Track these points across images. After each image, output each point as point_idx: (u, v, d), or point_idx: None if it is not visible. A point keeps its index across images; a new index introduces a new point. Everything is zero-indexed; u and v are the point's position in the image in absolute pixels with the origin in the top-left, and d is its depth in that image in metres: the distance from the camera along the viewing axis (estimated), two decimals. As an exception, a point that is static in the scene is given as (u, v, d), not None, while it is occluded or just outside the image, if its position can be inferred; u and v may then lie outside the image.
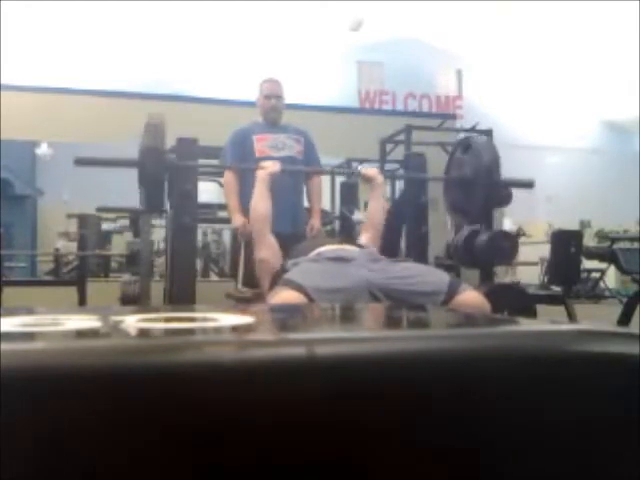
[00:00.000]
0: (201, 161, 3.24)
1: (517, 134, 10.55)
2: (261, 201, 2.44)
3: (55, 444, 0.39)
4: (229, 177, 3.26)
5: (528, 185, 3.08)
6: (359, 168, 2.79)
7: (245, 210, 3.16)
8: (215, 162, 3.57)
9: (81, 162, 2.63)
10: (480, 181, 2.76)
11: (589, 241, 7.47)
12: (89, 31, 8.72)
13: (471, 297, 1.95)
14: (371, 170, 2.80)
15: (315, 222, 3.36)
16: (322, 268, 2.02)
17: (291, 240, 2.67)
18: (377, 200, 2.65)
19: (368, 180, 2.72)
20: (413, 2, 9.03)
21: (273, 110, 3.35)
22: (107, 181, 5.87)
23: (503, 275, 6.51)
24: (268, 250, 2.34)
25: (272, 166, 2.58)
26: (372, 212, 2.65)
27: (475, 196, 2.81)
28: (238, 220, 3.14)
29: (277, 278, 2.09)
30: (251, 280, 2.80)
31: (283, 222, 2.92)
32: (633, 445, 0.49)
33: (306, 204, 3.50)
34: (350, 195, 4.94)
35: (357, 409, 0.44)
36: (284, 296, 1.82)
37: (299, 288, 1.83)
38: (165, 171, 2.65)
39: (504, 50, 10.33)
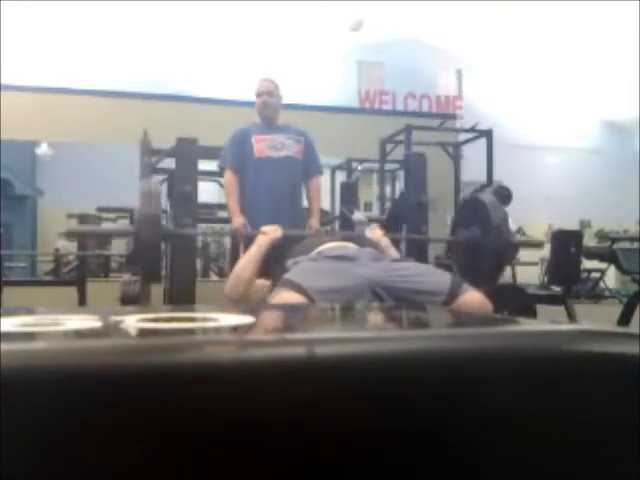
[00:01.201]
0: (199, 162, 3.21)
1: (517, 134, 10.56)
2: (250, 265, 2.34)
3: (55, 444, 0.39)
4: (229, 177, 3.26)
5: (537, 245, 3.02)
6: (365, 232, 2.68)
7: (245, 210, 3.17)
8: (214, 162, 3.56)
9: (71, 234, 2.54)
10: (490, 242, 2.65)
11: (589, 241, 7.48)
12: (89, 31, 8.72)
13: (473, 297, 1.95)
14: (374, 232, 2.66)
15: (314, 222, 3.36)
16: (323, 267, 2.02)
17: (289, 239, 2.67)
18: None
19: (374, 244, 2.61)
20: (413, 2, 9.03)
21: (265, 107, 3.35)
22: (107, 181, 5.87)
23: (503, 276, 6.51)
24: (257, 294, 2.29)
25: (274, 232, 2.53)
26: None
27: (485, 257, 2.69)
28: (237, 221, 3.14)
29: (279, 277, 2.08)
30: None
31: (282, 222, 2.92)
32: (633, 445, 0.49)
33: (305, 204, 3.50)
34: (350, 195, 4.94)
35: (357, 409, 0.44)
36: (284, 297, 1.82)
37: (299, 289, 1.82)
38: (162, 239, 2.57)
39: (504, 50, 10.33)
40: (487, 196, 3.19)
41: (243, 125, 3.41)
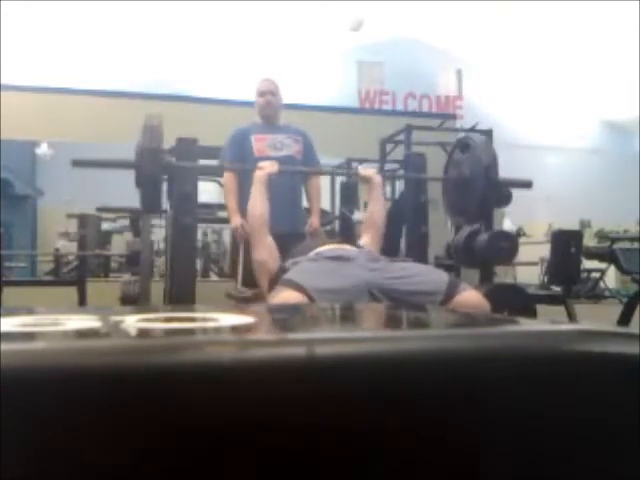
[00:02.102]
0: (199, 161, 3.23)
1: (517, 134, 10.56)
2: (259, 202, 2.42)
3: (55, 444, 0.39)
4: (228, 177, 3.26)
5: (526, 185, 3.07)
6: (357, 168, 2.77)
7: (244, 211, 3.17)
8: (214, 162, 3.56)
9: (78, 164, 2.62)
10: (478, 181, 2.75)
11: (589, 241, 7.48)
12: (89, 31, 8.72)
13: (470, 297, 1.95)
14: (369, 170, 2.78)
15: (314, 222, 3.36)
16: (321, 268, 2.02)
17: (290, 240, 2.67)
18: (376, 201, 2.62)
19: (366, 180, 2.71)
20: (413, 2, 9.03)
21: (267, 106, 3.35)
22: (107, 181, 5.87)
23: (503, 276, 6.51)
24: (266, 251, 2.33)
25: (270, 166, 2.57)
26: (372, 213, 2.62)
27: (473, 196, 2.80)
28: (236, 221, 3.14)
29: (276, 278, 2.09)
30: (250, 280, 2.80)
31: (281, 222, 2.91)
32: (633, 445, 0.49)
33: (305, 204, 3.50)
34: (350, 195, 4.94)
35: (357, 409, 0.44)
36: (284, 296, 1.83)
37: (299, 288, 1.83)
38: (162, 172, 2.64)
39: (504, 50, 10.34)
40: (478, 137, 3.26)
41: (242, 125, 3.42)
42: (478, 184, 2.76)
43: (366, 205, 2.90)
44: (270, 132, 3.31)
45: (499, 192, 2.99)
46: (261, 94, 3.38)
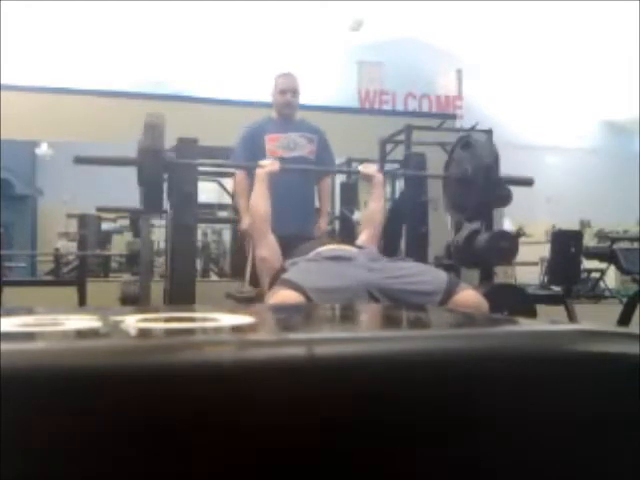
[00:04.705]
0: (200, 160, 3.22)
1: (517, 134, 10.55)
2: (260, 200, 2.43)
3: (55, 444, 0.39)
4: (240, 177, 3.21)
5: (527, 183, 3.07)
6: (359, 167, 2.76)
7: None
8: (214, 160, 3.56)
9: (80, 161, 2.63)
10: (479, 178, 2.75)
11: (589, 241, 7.47)
12: (89, 31, 8.71)
13: (469, 296, 1.95)
14: (370, 168, 2.77)
15: (322, 224, 3.34)
16: (321, 267, 2.02)
17: (296, 242, 2.65)
18: (377, 199, 2.63)
19: (367, 178, 2.71)
20: (413, 2, 9.03)
21: (287, 106, 3.26)
22: (107, 181, 5.86)
23: (503, 276, 6.51)
24: (268, 249, 2.34)
25: (270, 165, 2.58)
26: (371, 211, 2.63)
27: (474, 193, 2.80)
28: (247, 221, 3.12)
29: (276, 278, 2.09)
30: (257, 280, 2.80)
31: (288, 224, 2.87)
32: (633, 445, 0.49)
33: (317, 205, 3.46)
34: (350, 195, 4.94)
35: (357, 409, 0.44)
36: (282, 296, 1.82)
37: (297, 288, 1.83)
38: (164, 170, 2.65)
39: (504, 50, 10.33)
40: (479, 135, 3.26)
41: (256, 121, 3.32)
42: (479, 181, 2.76)
43: (366, 204, 2.90)
44: (284, 130, 3.22)
45: (500, 190, 2.99)
46: (281, 92, 3.26)
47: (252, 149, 3.19)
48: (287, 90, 3.26)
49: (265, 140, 3.20)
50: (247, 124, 3.34)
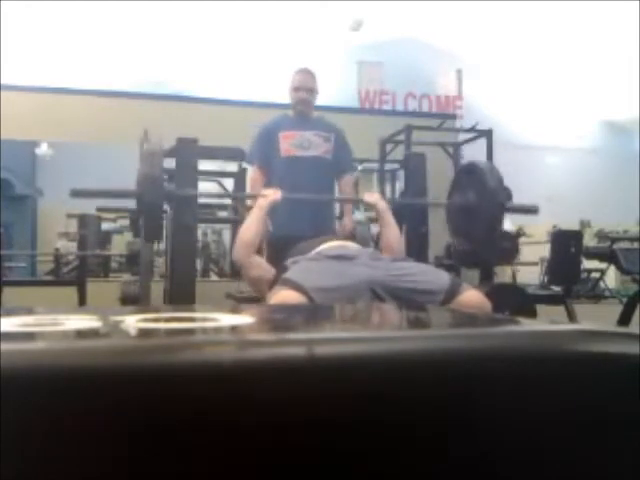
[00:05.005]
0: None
1: (517, 134, 10.55)
2: (251, 228, 2.38)
3: (55, 444, 0.39)
4: (254, 174, 3.17)
5: (532, 212, 3.03)
6: (363, 197, 2.70)
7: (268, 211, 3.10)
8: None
9: (77, 194, 2.59)
10: (484, 206, 2.67)
11: (589, 241, 7.46)
12: (89, 31, 8.71)
13: (473, 297, 1.95)
14: (373, 196, 2.65)
15: (347, 221, 3.31)
16: (322, 266, 2.01)
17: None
18: (388, 226, 2.50)
19: (371, 207, 2.66)
20: (413, 2, 9.03)
21: (302, 103, 3.20)
22: (107, 181, 5.86)
23: (502, 276, 6.51)
24: (257, 269, 2.33)
25: (273, 195, 2.53)
26: (387, 238, 2.49)
27: (479, 221, 2.72)
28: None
29: (277, 278, 2.08)
30: None
31: (303, 225, 2.85)
32: (633, 445, 0.49)
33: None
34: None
35: (357, 409, 0.44)
36: (283, 296, 1.82)
37: (298, 287, 1.82)
38: (163, 200, 2.59)
39: (504, 50, 10.33)
40: (484, 162, 3.22)
41: (272, 118, 3.28)
42: (484, 209, 2.68)
43: (379, 236, 2.83)
44: (299, 128, 3.16)
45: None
46: (295, 89, 3.21)
47: (267, 147, 3.14)
48: (301, 88, 3.21)
49: (280, 138, 3.13)
50: (263, 122, 3.28)
